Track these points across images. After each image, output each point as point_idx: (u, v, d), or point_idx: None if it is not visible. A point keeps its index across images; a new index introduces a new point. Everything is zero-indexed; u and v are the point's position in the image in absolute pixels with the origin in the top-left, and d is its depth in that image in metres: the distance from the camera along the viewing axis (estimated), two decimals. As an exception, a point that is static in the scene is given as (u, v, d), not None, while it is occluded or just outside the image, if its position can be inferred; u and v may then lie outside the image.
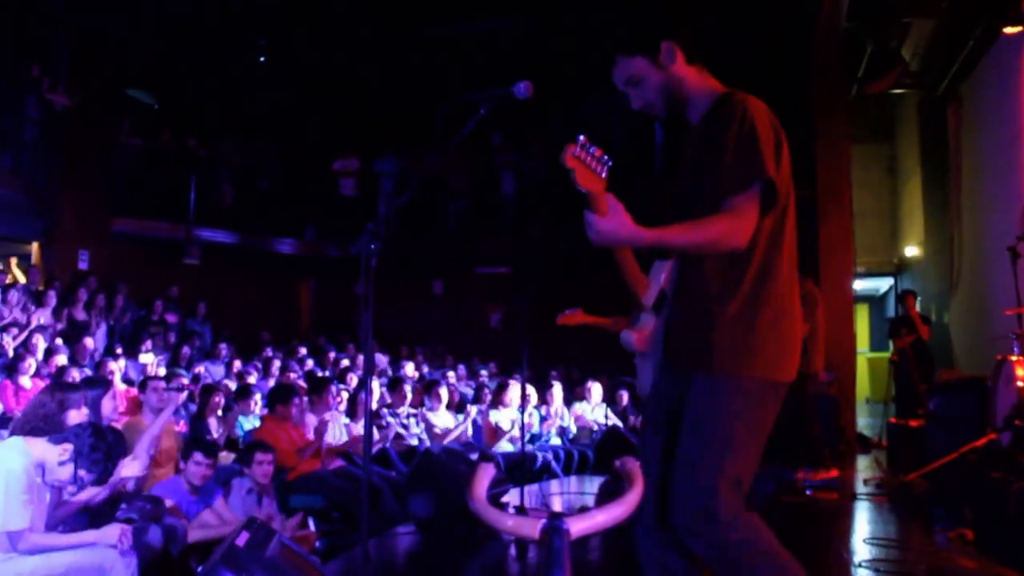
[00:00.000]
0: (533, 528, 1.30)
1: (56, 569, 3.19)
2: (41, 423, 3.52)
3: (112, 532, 3.35)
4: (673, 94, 2.30)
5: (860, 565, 4.21)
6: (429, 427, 7.49)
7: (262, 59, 12.90)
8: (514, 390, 7.90)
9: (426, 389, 7.96)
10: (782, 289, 2.22)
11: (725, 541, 2.13)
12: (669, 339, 2.32)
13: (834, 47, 9.66)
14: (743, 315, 2.18)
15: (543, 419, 8.29)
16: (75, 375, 6.11)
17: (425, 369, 10.90)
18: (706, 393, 2.21)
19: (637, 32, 2.29)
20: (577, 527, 1.31)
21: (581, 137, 1.97)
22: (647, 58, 2.28)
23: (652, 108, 2.34)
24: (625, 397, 9.09)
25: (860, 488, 6.65)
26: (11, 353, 7.39)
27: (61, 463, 3.39)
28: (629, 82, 2.31)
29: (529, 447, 7.59)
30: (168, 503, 4.32)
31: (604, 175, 2.01)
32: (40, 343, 7.51)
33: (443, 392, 7.84)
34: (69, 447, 3.41)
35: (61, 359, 7.15)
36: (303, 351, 10.89)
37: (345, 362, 10.26)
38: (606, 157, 2.01)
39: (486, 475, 1.40)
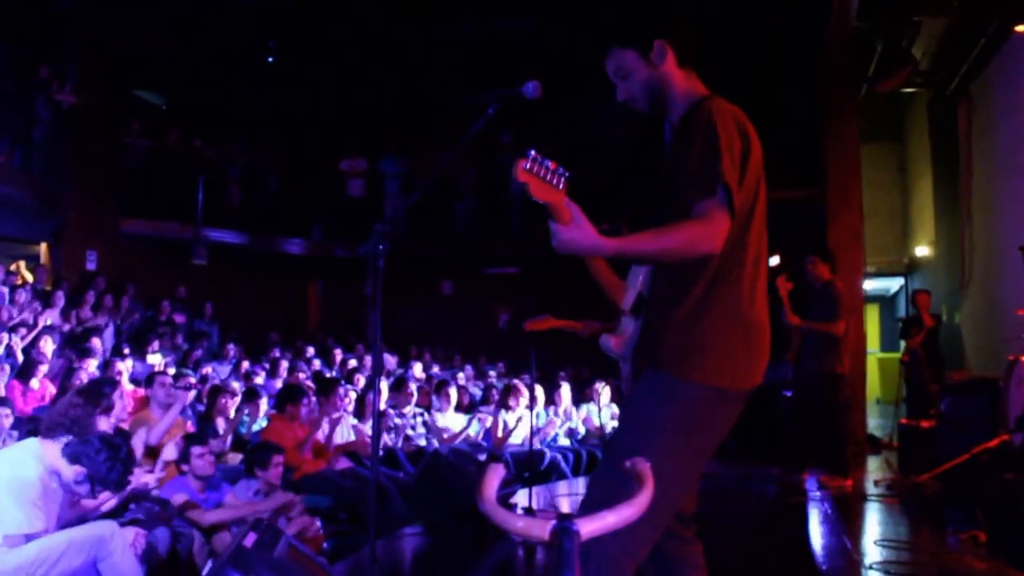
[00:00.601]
0: (543, 529, 1.28)
1: (56, 550, 3.19)
2: (69, 424, 3.47)
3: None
4: (657, 93, 2.31)
5: (871, 567, 4.20)
6: (435, 430, 7.48)
7: (270, 60, 12.90)
8: (523, 391, 7.89)
9: (436, 389, 7.95)
10: (740, 294, 2.19)
11: (597, 547, 1.98)
12: (637, 341, 2.32)
13: (844, 46, 9.61)
14: (690, 318, 2.16)
15: (548, 422, 8.27)
16: (82, 376, 6.11)
17: (435, 369, 10.88)
18: (645, 391, 2.20)
19: (632, 26, 2.30)
20: (587, 528, 1.29)
21: (532, 151, 1.94)
22: (638, 53, 2.28)
23: (635, 103, 2.35)
24: None
25: (871, 490, 6.62)
26: (19, 354, 7.40)
27: (76, 483, 3.41)
28: (618, 73, 2.32)
29: (537, 446, 7.57)
30: (182, 498, 4.32)
31: (561, 186, 1.99)
32: (48, 344, 7.52)
33: (452, 392, 7.83)
34: (82, 471, 3.43)
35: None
36: (310, 351, 10.89)
37: (353, 363, 10.26)
38: (561, 169, 1.99)
39: (496, 476, 1.39)
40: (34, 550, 3.20)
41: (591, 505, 2.11)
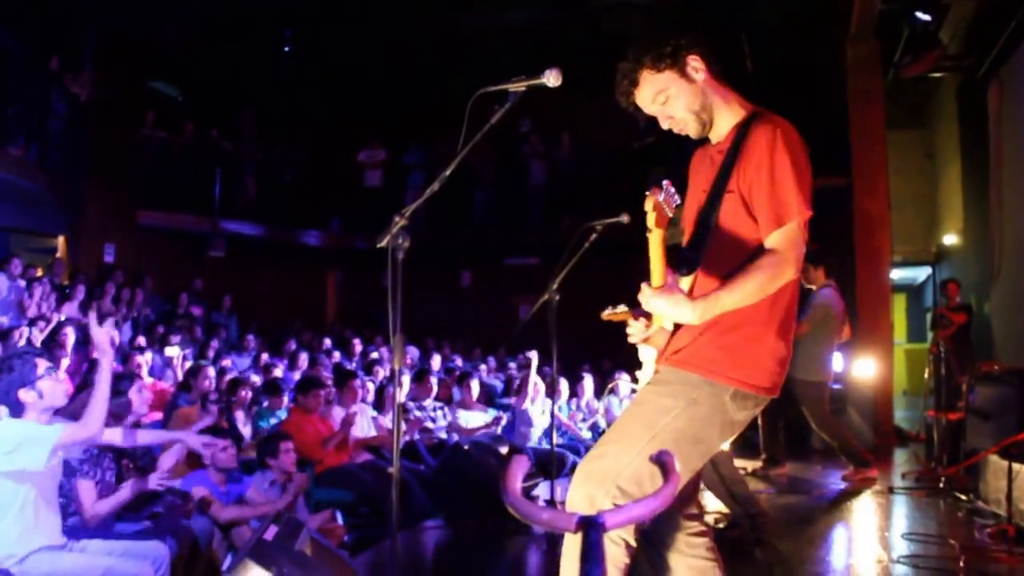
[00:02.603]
0: (569, 521, 1.26)
1: (94, 572, 3.19)
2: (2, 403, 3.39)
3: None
4: (702, 110, 2.28)
5: (898, 561, 4.16)
6: (455, 424, 7.43)
7: (286, 49, 12.90)
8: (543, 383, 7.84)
9: (458, 382, 7.92)
10: (778, 308, 2.23)
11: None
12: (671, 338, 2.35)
13: (870, 31, 9.45)
14: (732, 325, 2.19)
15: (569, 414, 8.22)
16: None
17: (458, 362, 10.84)
18: (654, 381, 2.27)
19: (663, 47, 2.26)
20: (613, 520, 1.26)
21: (665, 182, 2.07)
22: (675, 71, 2.25)
23: (682, 126, 2.32)
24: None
25: (898, 482, 6.54)
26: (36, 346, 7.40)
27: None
28: (656, 99, 2.28)
29: (559, 441, 7.52)
30: (202, 491, 4.31)
31: (671, 215, 2.11)
32: (70, 336, 7.53)
33: (474, 385, 7.79)
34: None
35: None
36: (327, 343, 10.89)
37: (373, 355, 10.25)
38: (678, 198, 2.11)
39: (520, 468, 1.36)
40: (70, 563, 3.20)
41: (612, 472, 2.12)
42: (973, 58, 9.62)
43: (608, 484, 2.11)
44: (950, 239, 11.57)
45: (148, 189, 12.11)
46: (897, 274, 12.07)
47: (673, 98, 2.26)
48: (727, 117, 2.30)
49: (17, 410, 3.30)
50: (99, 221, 11.43)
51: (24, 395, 3.28)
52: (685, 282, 2.28)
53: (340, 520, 4.93)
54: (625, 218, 4.98)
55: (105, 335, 3.43)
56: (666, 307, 2.09)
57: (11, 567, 3.07)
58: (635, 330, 2.37)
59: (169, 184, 12.31)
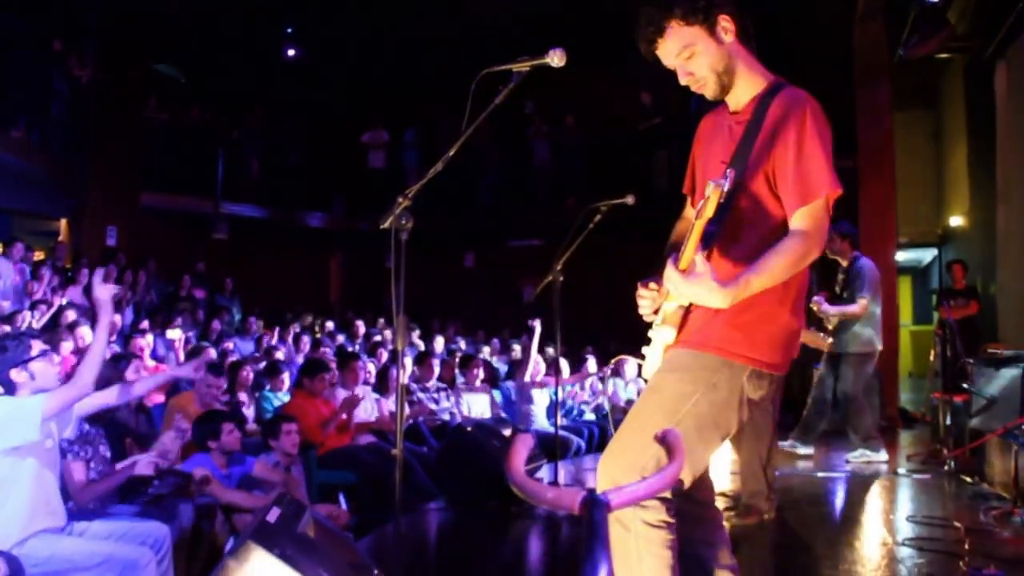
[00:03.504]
0: (573, 501, 1.26)
1: (94, 559, 3.19)
2: None
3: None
4: (725, 72, 2.20)
5: (903, 543, 4.15)
6: (460, 408, 7.43)
7: (289, 31, 12.81)
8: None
9: (462, 365, 7.90)
10: (790, 286, 2.18)
11: (633, 518, 2.09)
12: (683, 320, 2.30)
13: (877, 10, 9.36)
14: (746, 305, 2.12)
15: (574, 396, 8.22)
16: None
17: (461, 344, 10.82)
18: (670, 366, 2.22)
19: (698, 0, 2.16)
20: (617, 499, 1.27)
21: (730, 171, 1.99)
22: (705, 28, 2.16)
23: (701, 85, 2.22)
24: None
25: (903, 465, 6.53)
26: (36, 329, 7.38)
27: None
28: (681, 53, 2.19)
29: (564, 422, 7.51)
30: (203, 472, 4.30)
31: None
32: (71, 319, 7.51)
33: (479, 366, 7.78)
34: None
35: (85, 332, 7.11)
36: (329, 325, 10.86)
37: (376, 337, 10.24)
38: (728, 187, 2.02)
39: (524, 447, 1.37)
40: (70, 548, 3.21)
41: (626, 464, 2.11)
42: (981, 38, 9.51)
43: (635, 477, 2.07)
44: (956, 221, 11.49)
45: (151, 171, 12.06)
46: (903, 256, 12.02)
47: (699, 55, 2.17)
48: (748, 85, 2.22)
49: (9, 390, 3.31)
50: (101, 204, 11.40)
51: (16, 375, 3.29)
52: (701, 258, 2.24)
53: (344, 504, 4.93)
54: (630, 199, 4.94)
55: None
56: (696, 291, 2.02)
57: (11, 549, 3.06)
58: (647, 302, 2.30)
59: (172, 166, 12.27)
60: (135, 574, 3.20)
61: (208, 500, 4.13)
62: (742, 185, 2.16)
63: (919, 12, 8.47)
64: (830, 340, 6.01)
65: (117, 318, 8.11)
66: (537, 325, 7.51)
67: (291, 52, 13.81)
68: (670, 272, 2.05)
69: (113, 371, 4.49)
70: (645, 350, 2.36)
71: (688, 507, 2.29)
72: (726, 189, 1.96)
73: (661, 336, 2.29)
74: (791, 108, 2.12)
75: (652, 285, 2.28)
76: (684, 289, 2.04)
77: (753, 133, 2.15)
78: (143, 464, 3.79)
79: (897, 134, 9.80)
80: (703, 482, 2.37)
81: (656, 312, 2.31)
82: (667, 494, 2.10)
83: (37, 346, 3.36)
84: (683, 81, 2.24)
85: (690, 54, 2.18)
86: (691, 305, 2.23)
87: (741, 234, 2.18)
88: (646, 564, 2.08)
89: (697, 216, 2.01)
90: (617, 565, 2.12)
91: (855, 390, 6.44)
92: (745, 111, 2.22)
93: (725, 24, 2.17)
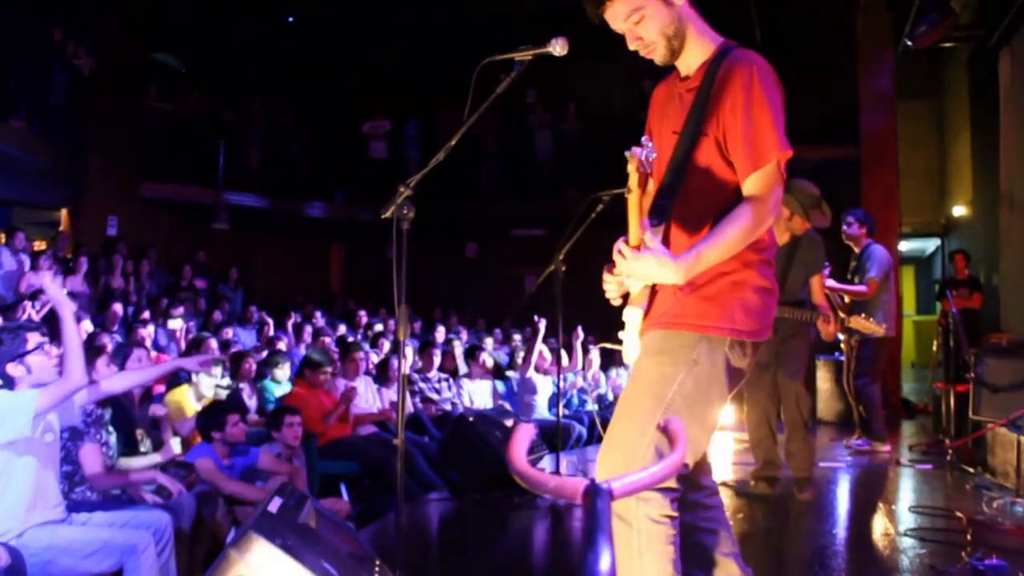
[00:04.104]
0: (575, 490, 1.25)
1: (92, 546, 3.19)
2: None
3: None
4: (675, 36, 2.14)
5: (905, 533, 4.15)
6: (462, 398, 7.42)
7: (290, 19, 12.75)
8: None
9: (467, 355, 7.89)
10: (756, 251, 2.15)
11: (636, 513, 2.05)
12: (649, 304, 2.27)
13: (881, 0, 9.32)
14: (711, 277, 2.11)
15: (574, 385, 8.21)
16: (105, 341, 6.09)
17: (463, 336, 10.81)
18: (648, 351, 2.18)
19: None
20: (620, 488, 1.26)
21: (644, 138, 1.97)
22: None
23: (651, 50, 2.17)
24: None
25: (905, 455, 6.52)
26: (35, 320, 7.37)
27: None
28: (630, 17, 2.12)
29: (565, 412, 7.52)
30: (207, 463, 4.31)
31: (650, 171, 2.01)
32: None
33: (483, 358, 7.77)
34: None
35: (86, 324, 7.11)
36: (321, 320, 10.83)
37: (378, 327, 10.23)
38: (655, 152, 1.99)
39: (526, 436, 1.36)
40: (68, 536, 3.20)
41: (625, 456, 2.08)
42: (984, 27, 9.46)
43: (635, 468, 2.04)
44: (959, 210, 11.46)
45: (151, 161, 12.02)
46: (906, 246, 12.03)
47: (648, 19, 2.11)
48: (698, 50, 2.17)
49: (8, 385, 3.29)
50: (102, 194, 11.37)
51: (13, 369, 3.27)
52: (656, 232, 2.16)
53: (345, 495, 4.94)
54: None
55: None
56: (648, 269, 1.97)
57: (10, 540, 3.06)
58: (612, 287, 2.23)
59: (172, 156, 12.23)
60: (134, 559, 3.20)
61: (208, 490, 4.14)
62: (694, 153, 2.12)
63: (923, 1, 8.41)
64: (884, 324, 6.01)
65: (118, 308, 8.11)
66: (542, 324, 7.51)
67: (291, 41, 13.74)
68: (621, 249, 2.01)
69: (119, 360, 4.49)
70: (621, 335, 2.30)
71: (690, 493, 2.27)
72: (643, 158, 1.93)
73: (630, 318, 2.24)
74: (738, 71, 2.07)
75: (616, 270, 2.21)
76: (636, 267, 1.99)
77: (702, 100, 2.11)
78: (166, 480, 3.78)
79: (900, 124, 9.76)
80: (703, 467, 2.35)
81: (624, 297, 2.26)
82: (671, 484, 2.07)
83: (34, 339, 3.34)
84: (632, 46, 2.19)
85: (639, 18, 2.12)
86: (656, 285, 2.19)
87: (697, 204, 2.14)
88: (647, 559, 2.05)
89: (628, 191, 1.98)
90: (620, 561, 2.10)
91: (860, 375, 6.50)
92: (695, 77, 2.17)
93: None
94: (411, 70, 13.62)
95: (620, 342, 2.32)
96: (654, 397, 2.09)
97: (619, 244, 2.02)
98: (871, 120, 9.41)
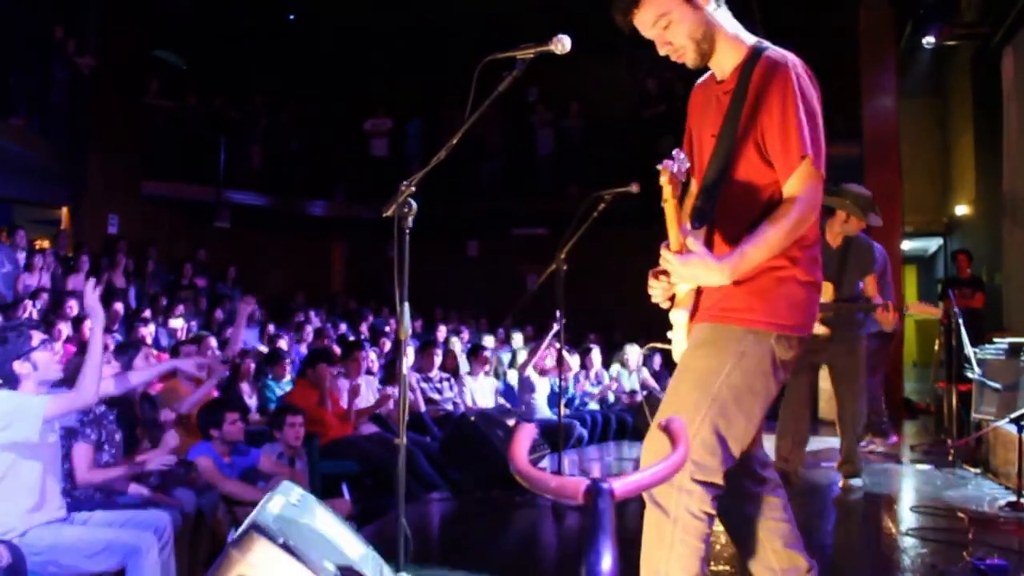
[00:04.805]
0: (577, 490, 1.24)
1: (95, 546, 3.20)
2: None
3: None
4: (703, 39, 2.15)
5: (907, 533, 4.14)
6: (463, 397, 7.41)
7: (291, 17, 12.73)
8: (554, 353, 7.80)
9: (470, 354, 7.89)
10: (803, 247, 2.18)
11: (677, 504, 2.08)
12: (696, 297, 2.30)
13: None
14: (758, 272, 2.14)
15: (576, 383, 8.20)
16: (107, 340, 6.08)
17: (465, 335, 10.80)
18: (695, 343, 2.20)
19: None
20: (622, 488, 1.25)
21: (676, 151, 2.01)
22: None
23: (681, 54, 2.18)
24: (657, 361, 8.98)
25: (907, 454, 6.52)
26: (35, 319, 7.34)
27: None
28: (658, 23, 2.14)
29: (567, 410, 7.51)
30: (206, 462, 4.30)
31: (683, 180, 2.07)
32: (75, 308, 7.51)
33: (485, 357, 7.76)
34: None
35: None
36: (320, 320, 10.81)
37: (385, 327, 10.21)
38: (688, 163, 2.05)
39: (527, 436, 1.36)
40: (71, 536, 3.21)
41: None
42: (988, 25, 9.45)
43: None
44: (962, 209, 11.45)
45: (152, 159, 12.00)
46: (908, 245, 12.01)
47: (675, 23, 2.13)
48: (731, 52, 2.19)
49: (12, 382, 3.29)
50: (103, 192, 11.34)
51: (19, 367, 3.27)
52: (699, 235, 2.21)
53: (347, 494, 4.93)
54: (634, 187, 4.93)
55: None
56: (694, 271, 2.04)
57: (12, 539, 3.06)
58: (657, 290, 2.28)
59: (173, 154, 12.21)
60: (137, 559, 3.21)
61: (209, 489, 4.13)
62: (734, 156, 2.14)
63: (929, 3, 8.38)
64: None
65: (119, 307, 8.10)
66: (556, 326, 7.49)
67: (292, 38, 13.73)
68: (665, 255, 2.06)
69: (122, 360, 4.48)
70: (670, 335, 2.35)
71: (753, 486, 2.31)
72: (674, 170, 1.96)
73: (677, 320, 2.28)
74: (773, 73, 2.09)
75: (663, 277, 2.26)
76: (682, 270, 2.04)
77: (739, 103, 2.13)
78: (155, 463, 3.78)
79: (903, 122, 9.75)
80: (757, 457, 2.36)
81: (671, 299, 2.30)
82: (716, 481, 2.09)
83: (37, 336, 3.34)
84: (662, 51, 2.21)
85: (667, 23, 2.14)
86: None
87: (738, 205, 2.16)
88: (677, 552, 2.08)
89: (663, 200, 2.02)
90: (649, 549, 2.14)
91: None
92: (730, 79, 2.19)
93: None
94: (412, 68, 13.61)
95: (668, 342, 2.36)
96: (701, 388, 2.12)
97: (663, 250, 2.07)
98: (873, 118, 9.38)
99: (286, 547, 2.32)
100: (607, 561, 1.15)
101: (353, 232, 14.54)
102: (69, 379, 3.65)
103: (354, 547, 2.75)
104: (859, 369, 5.15)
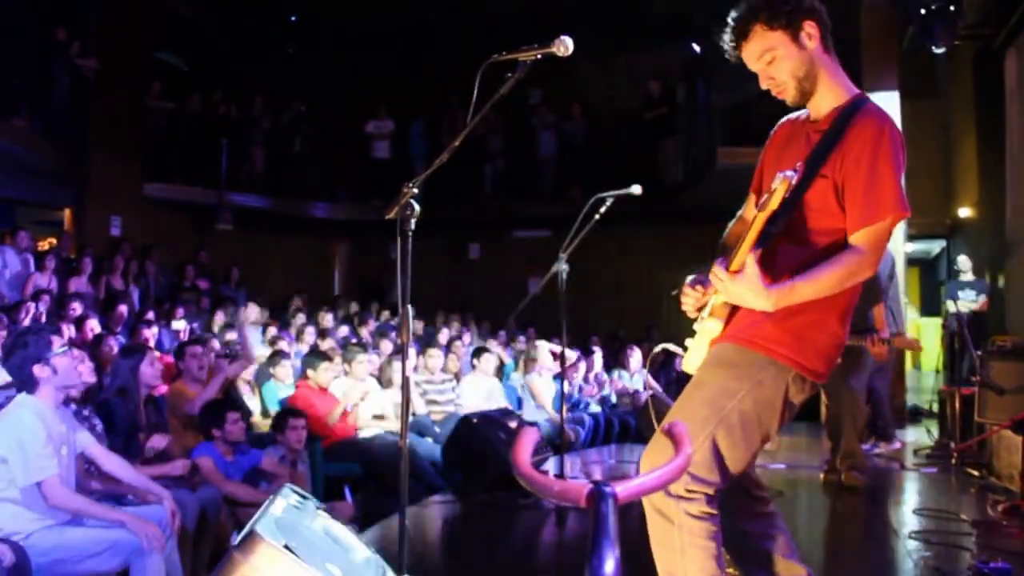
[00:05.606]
0: (580, 493, 1.25)
1: (100, 545, 3.21)
2: (16, 378, 3.40)
3: (150, 527, 3.31)
4: (806, 78, 2.20)
5: (910, 536, 4.13)
6: (465, 398, 7.40)
7: (293, 19, 12.74)
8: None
9: (473, 356, 7.88)
10: (842, 298, 2.20)
11: (676, 511, 2.12)
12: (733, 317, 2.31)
13: (885, -1, 9.30)
14: (798, 309, 2.15)
15: (581, 387, 8.19)
16: (111, 343, 6.10)
17: (466, 338, 10.80)
18: (716, 361, 2.23)
19: (781, 5, 2.17)
20: (624, 492, 1.26)
21: (800, 164, 2.05)
22: (788, 34, 2.16)
23: (782, 90, 2.23)
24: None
25: (910, 458, 6.51)
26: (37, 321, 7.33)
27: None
28: (763, 57, 2.19)
29: (568, 415, 7.49)
30: (208, 462, 4.30)
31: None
32: (78, 310, 7.51)
33: (489, 359, 7.76)
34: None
35: (93, 324, 7.11)
36: (329, 318, 10.81)
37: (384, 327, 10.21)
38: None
39: (530, 440, 1.36)
40: (75, 537, 3.22)
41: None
42: (991, 26, 9.44)
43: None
44: (965, 212, 11.44)
45: (154, 161, 12.01)
46: (911, 247, 11.96)
47: (780, 60, 2.18)
48: (830, 95, 2.22)
49: (31, 385, 3.30)
50: (105, 193, 11.34)
51: (39, 371, 3.29)
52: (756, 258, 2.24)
53: (349, 497, 4.93)
54: (636, 189, 4.92)
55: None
56: (742, 293, 2.06)
57: (17, 540, 3.07)
58: (690, 300, 2.32)
59: (175, 156, 12.23)
60: (141, 559, 3.22)
61: (212, 491, 4.13)
62: (808, 192, 2.16)
63: (932, 7, 8.35)
64: (894, 327, 6.14)
65: (123, 309, 8.11)
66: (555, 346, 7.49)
67: (294, 40, 13.75)
68: (718, 271, 2.08)
69: (128, 362, 4.48)
70: (688, 342, 2.36)
71: (745, 502, 2.35)
72: (794, 183, 1.98)
73: (707, 329, 2.29)
74: (870, 124, 2.12)
75: (699, 288, 2.30)
76: (731, 288, 2.07)
77: (829, 143, 2.15)
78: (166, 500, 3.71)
79: (905, 124, 9.68)
80: (755, 480, 2.41)
81: (699, 309, 2.32)
82: (709, 489, 2.12)
83: (57, 341, 3.37)
84: (764, 85, 2.25)
85: (771, 59, 2.19)
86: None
87: (799, 240, 2.19)
88: (689, 555, 2.12)
89: (760, 208, 2.02)
90: (661, 558, 2.18)
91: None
92: (825, 120, 2.22)
93: (809, 30, 2.17)
94: (414, 70, 13.62)
95: (683, 347, 2.38)
96: (712, 406, 2.15)
97: (716, 267, 2.10)
98: (875, 120, 9.34)
99: (289, 550, 2.32)
100: (610, 564, 1.16)
101: (355, 234, 14.55)
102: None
103: (356, 550, 2.75)
104: (854, 370, 5.22)
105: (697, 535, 2.11)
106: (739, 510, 2.32)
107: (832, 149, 2.14)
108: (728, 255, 2.13)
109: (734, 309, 2.25)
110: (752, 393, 2.14)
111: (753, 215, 2.06)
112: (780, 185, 1.96)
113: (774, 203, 1.99)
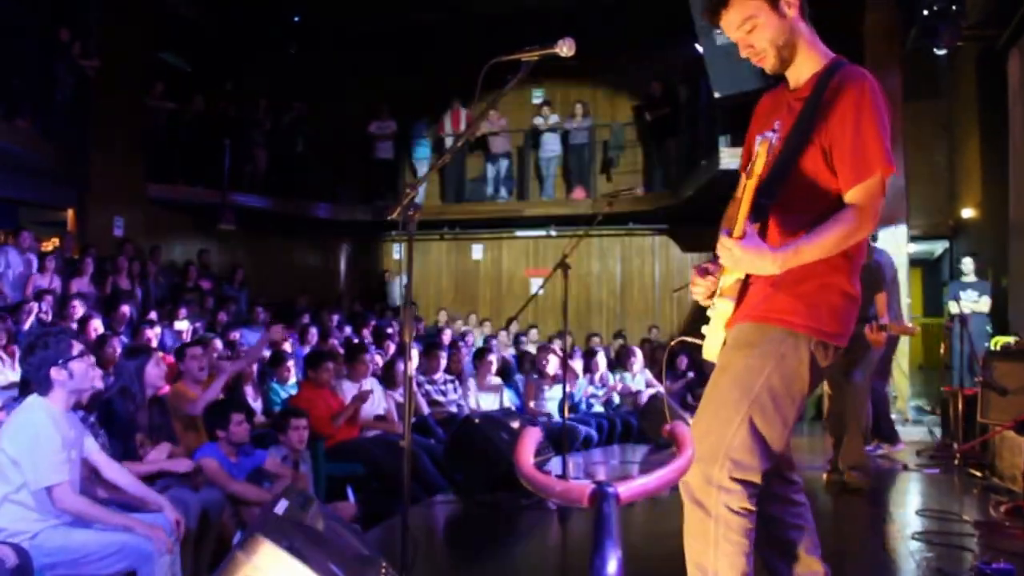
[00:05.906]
0: (582, 493, 1.24)
1: (106, 549, 3.20)
2: (32, 379, 3.41)
3: (157, 531, 3.31)
4: (785, 46, 2.23)
5: (913, 537, 4.13)
6: (468, 400, 7.40)
7: (296, 19, 12.74)
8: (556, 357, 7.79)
9: (475, 357, 7.88)
10: (850, 259, 2.23)
11: (716, 503, 2.13)
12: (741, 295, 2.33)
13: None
14: (804, 277, 2.18)
15: (592, 395, 8.20)
16: (114, 343, 6.11)
17: (470, 338, 10.80)
18: (735, 344, 2.24)
19: None
20: (627, 492, 1.25)
21: (778, 122, 2.08)
22: (768, 2, 2.19)
23: (761, 57, 2.25)
24: (684, 361, 8.94)
25: (913, 459, 6.50)
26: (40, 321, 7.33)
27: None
28: (743, 25, 2.21)
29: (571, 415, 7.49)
30: (212, 463, 4.30)
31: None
32: (79, 310, 7.52)
33: (491, 359, 7.76)
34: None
35: (97, 325, 7.11)
36: (336, 319, 10.83)
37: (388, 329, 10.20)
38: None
39: (532, 440, 1.36)
40: (81, 539, 3.22)
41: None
42: (993, 27, 9.43)
43: (721, 459, 2.12)
44: (968, 212, 11.42)
45: (157, 162, 12.02)
46: (914, 248, 11.94)
47: (760, 28, 2.20)
48: (809, 62, 2.25)
49: (45, 388, 3.31)
50: (107, 194, 11.34)
51: (56, 373, 3.29)
52: (753, 230, 2.24)
53: (351, 497, 4.93)
54: (639, 190, 4.93)
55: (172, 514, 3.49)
56: (748, 257, 2.06)
57: (23, 541, 3.07)
58: (701, 288, 2.33)
59: (178, 156, 12.24)
60: (149, 565, 3.22)
61: (215, 491, 4.13)
62: (800, 159, 2.18)
63: (935, 9, 8.34)
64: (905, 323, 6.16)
65: (126, 309, 8.12)
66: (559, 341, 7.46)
67: (297, 41, 13.75)
68: (723, 240, 2.08)
69: (132, 363, 4.48)
70: (705, 329, 2.37)
71: (777, 484, 2.35)
72: (773, 142, 2.00)
73: (720, 311, 2.30)
74: (850, 85, 2.14)
75: (709, 272, 2.31)
76: (737, 253, 2.06)
77: (812, 109, 2.18)
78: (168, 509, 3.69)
79: (907, 124, 9.71)
80: (789, 462, 2.41)
81: (711, 297, 2.33)
82: (754, 479, 2.13)
83: (76, 346, 3.38)
84: (743, 53, 2.27)
85: (751, 26, 2.20)
86: (748, 278, 2.26)
87: (795, 207, 2.20)
88: (722, 550, 2.12)
89: (748, 175, 2.03)
90: (693, 549, 2.19)
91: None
92: (805, 88, 2.25)
93: None
94: (417, 70, 13.63)
95: (701, 337, 2.38)
96: (741, 388, 2.17)
97: (721, 235, 2.11)
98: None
99: (291, 550, 2.32)
100: (612, 565, 1.15)
101: (358, 234, 14.56)
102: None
103: (359, 550, 2.76)
104: (858, 364, 5.23)
105: (733, 529, 2.12)
106: (770, 493, 2.31)
107: (816, 114, 2.17)
108: (731, 227, 2.14)
109: (743, 288, 2.26)
110: (778, 368, 2.16)
111: (743, 184, 2.08)
112: (761, 147, 1.98)
113: (759, 167, 2.01)
